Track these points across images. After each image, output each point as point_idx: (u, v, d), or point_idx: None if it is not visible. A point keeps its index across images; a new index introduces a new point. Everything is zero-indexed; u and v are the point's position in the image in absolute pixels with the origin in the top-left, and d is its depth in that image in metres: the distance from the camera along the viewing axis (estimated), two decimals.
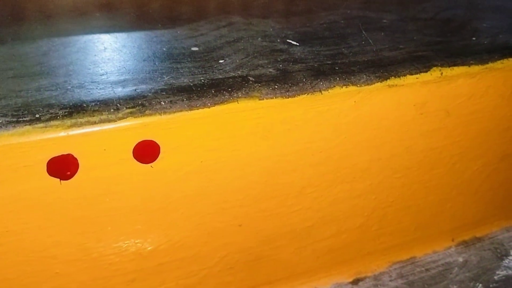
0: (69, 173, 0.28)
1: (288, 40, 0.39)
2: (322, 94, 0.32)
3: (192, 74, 0.33)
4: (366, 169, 0.38)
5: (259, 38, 0.39)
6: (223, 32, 0.41)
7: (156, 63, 0.34)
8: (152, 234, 0.33)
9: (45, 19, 0.43)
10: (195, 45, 0.38)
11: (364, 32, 0.41)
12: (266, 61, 0.35)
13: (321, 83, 0.32)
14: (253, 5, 0.48)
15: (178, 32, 0.40)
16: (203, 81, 0.32)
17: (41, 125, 0.26)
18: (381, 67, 0.35)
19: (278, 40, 0.39)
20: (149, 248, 0.33)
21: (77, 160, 0.28)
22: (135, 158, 0.29)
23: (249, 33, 0.40)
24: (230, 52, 0.36)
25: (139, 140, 0.29)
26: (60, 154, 0.27)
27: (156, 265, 0.34)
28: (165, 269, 0.35)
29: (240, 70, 0.34)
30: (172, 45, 0.38)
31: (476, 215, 0.48)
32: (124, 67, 0.33)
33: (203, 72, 0.33)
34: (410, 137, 0.38)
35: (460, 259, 0.46)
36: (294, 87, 0.32)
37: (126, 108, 0.28)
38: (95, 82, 0.31)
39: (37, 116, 0.27)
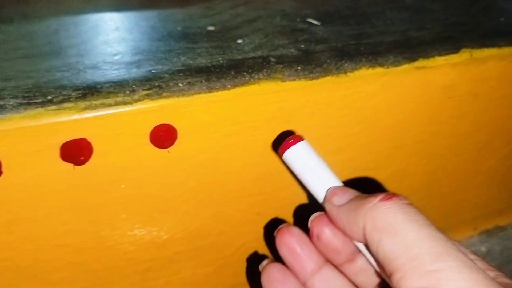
0: (82, 158, 0.27)
1: (308, 20, 0.37)
2: (347, 76, 0.30)
3: (209, 55, 0.31)
4: (390, 156, 0.36)
5: (278, 17, 0.37)
6: (240, 10, 0.39)
7: (171, 43, 0.32)
8: (168, 222, 0.31)
9: None
10: (211, 24, 0.36)
11: (388, 12, 0.40)
12: (286, 41, 0.33)
13: (346, 64, 0.31)
14: None
15: (193, 10, 0.39)
16: (221, 62, 0.30)
17: (54, 107, 0.25)
18: (409, 48, 0.33)
19: (298, 20, 0.37)
20: (164, 237, 0.32)
21: (91, 145, 0.26)
22: (151, 142, 0.28)
23: (267, 12, 0.39)
24: (248, 32, 0.35)
25: (156, 124, 0.27)
26: (73, 138, 0.26)
27: (171, 254, 0.33)
28: (181, 258, 0.33)
29: (260, 50, 0.32)
30: (187, 24, 0.36)
31: (499, 204, 0.47)
32: (138, 47, 0.32)
33: (221, 52, 0.31)
34: (437, 122, 0.36)
35: (483, 249, 0.45)
36: (318, 69, 0.30)
37: (143, 90, 0.27)
38: (108, 62, 0.29)
39: (49, 98, 0.25)
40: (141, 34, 0.34)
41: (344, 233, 0.24)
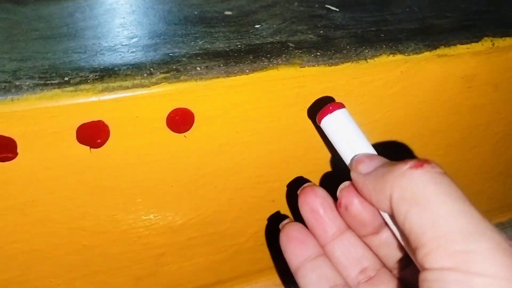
0: (99, 140, 0.26)
1: (326, 6, 0.37)
2: (367, 62, 0.30)
3: (227, 39, 0.30)
4: (407, 144, 0.35)
5: (296, 3, 0.37)
6: None
7: (188, 27, 0.32)
8: (183, 208, 0.31)
9: None
10: (228, 9, 0.35)
11: None
12: (305, 27, 0.33)
13: (367, 51, 0.30)
14: None
15: None
16: (239, 46, 0.30)
17: (71, 88, 0.25)
18: (430, 36, 0.33)
19: (316, 6, 0.37)
20: (179, 222, 0.32)
21: (108, 127, 0.26)
22: (168, 126, 0.27)
23: None
24: (266, 17, 0.34)
25: (173, 108, 0.27)
26: (90, 120, 0.25)
27: (186, 239, 0.33)
28: (195, 244, 0.33)
29: (278, 35, 0.31)
30: (204, 8, 0.35)
31: None
32: (155, 31, 0.31)
33: (239, 37, 0.31)
34: (456, 112, 0.35)
35: None
36: (338, 55, 0.29)
37: (160, 73, 0.26)
38: (125, 45, 0.29)
39: (66, 79, 0.25)
40: (158, 17, 0.33)
41: (370, 203, 0.22)
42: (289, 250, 0.26)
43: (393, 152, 0.35)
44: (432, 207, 0.19)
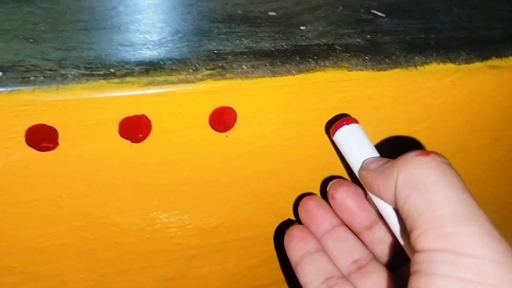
0: (141, 135, 0.26)
1: (372, 11, 0.36)
2: (417, 69, 0.29)
3: (273, 39, 0.30)
4: (451, 158, 0.33)
5: (341, 7, 0.36)
6: None
7: (233, 25, 0.31)
8: (219, 209, 0.30)
9: None
10: (272, 10, 0.35)
11: (454, 8, 0.38)
12: (352, 31, 0.32)
13: (417, 58, 0.29)
14: None
15: None
16: (285, 47, 0.29)
17: (116, 80, 0.24)
18: (481, 46, 0.31)
19: (362, 10, 0.36)
20: (213, 224, 0.31)
21: (150, 122, 0.25)
22: (210, 125, 0.27)
23: (329, 1, 0.37)
24: (311, 19, 0.33)
25: (217, 106, 0.26)
26: (134, 114, 0.25)
27: (219, 242, 0.32)
28: (228, 247, 0.32)
29: (325, 38, 0.31)
30: (248, 8, 0.35)
31: None
32: (199, 27, 0.31)
33: (285, 37, 0.30)
34: (504, 126, 0.34)
35: None
36: (387, 60, 0.28)
37: (206, 69, 0.26)
38: (170, 40, 0.28)
39: (111, 70, 0.25)
40: (201, 15, 0.33)
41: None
42: (290, 247, 0.27)
43: None
44: (431, 192, 0.20)
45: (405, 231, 0.21)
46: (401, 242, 0.24)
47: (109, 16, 0.31)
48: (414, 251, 0.20)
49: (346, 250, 0.27)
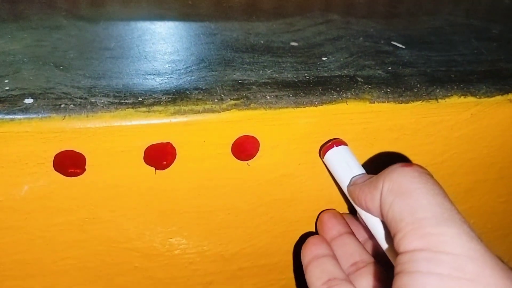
0: (165, 162, 0.26)
1: (392, 42, 0.36)
2: (438, 102, 0.29)
3: (295, 70, 0.30)
4: (469, 190, 0.34)
5: (361, 38, 0.37)
6: (321, 29, 0.38)
7: (256, 56, 0.32)
8: (237, 236, 0.31)
9: (143, 1, 0.41)
10: (294, 40, 0.35)
11: (474, 41, 0.38)
12: (372, 62, 0.32)
13: (438, 90, 0.29)
14: (350, 4, 0.46)
15: (274, 26, 0.38)
16: (308, 77, 0.29)
17: (144, 109, 0.25)
18: (501, 79, 0.32)
19: (382, 42, 0.36)
20: (231, 251, 0.31)
21: (175, 150, 0.26)
22: (233, 153, 0.27)
23: (349, 32, 0.38)
24: (332, 50, 0.34)
25: (240, 135, 0.27)
26: (159, 142, 0.25)
27: (236, 269, 0.32)
28: (244, 274, 0.33)
29: (346, 69, 0.31)
30: (270, 38, 0.35)
31: None
32: (223, 57, 0.31)
33: (307, 68, 0.31)
34: None
35: None
36: (408, 92, 0.29)
37: (231, 99, 0.26)
38: (195, 69, 0.29)
39: (139, 99, 0.25)
40: (225, 44, 0.33)
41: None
42: (303, 252, 0.29)
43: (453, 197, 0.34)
44: (413, 197, 0.21)
45: (391, 242, 0.22)
46: (388, 254, 0.25)
47: (135, 45, 0.32)
48: (397, 253, 0.21)
49: (347, 254, 0.28)
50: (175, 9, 0.40)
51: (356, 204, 0.26)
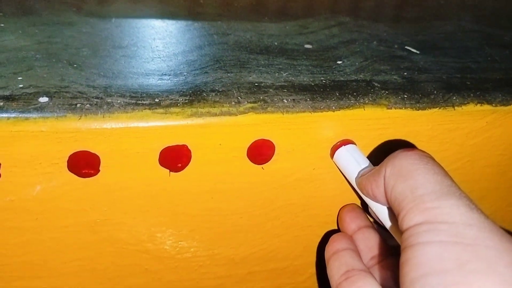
0: (180, 165, 0.26)
1: (406, 47, 0.36)
2: (454, 109, 0.29)
3: (311, 73, 0.30)
4: (481, 198, 0.34)
5: (375, 42, 0.36)
6: (334, 31, 0.38)
7: (271, 58, 0.32)
8: (248, 240, 0.30)
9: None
10: (308, 43, 0.35)
11: (487, 48, 0.38)
12: (388, 67, 0.32)
13: (454, 98, 0.29)
14: (362, 7, 0.46)
15: (287, 27, 0.38)
16: (324, 81, 0.29)
17: (161, 110, 0.24)
18: None
19: (396, 46, 0.36)
20: (242, 254, 0.31)
21: (190, 152, 0.26)
22: (248, 157, 0.27)
23: (363, 36, 0.37)
24: (346, 54, 0.34)
25: (256, 138, 0.26)
26: (175, 144, 0.25)
27: (246, 273, 0.32)
28: (254, 278, 0.32)
29: (362, 73, 0.31)
30: (283, 40, 0.35)
31: None
32: (238, 58, 0.31)
33: (323, 72, 0.30)
34: None
35: None
36: (425, 99, 0.29)
37: (248, 102, 0.26)
38: (211, 70, 0.29)
39: (156, 100, 0.25)
40: (239, 45, 0.33)
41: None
42: (326, 250, 0.29)
43: None
44: (414, 177, 0.22)
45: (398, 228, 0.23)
46: (398, 241, 0.25)
47: (148, 43, 0.32)
48: (401, 231, 0.21)
49: (368, 247, 0.29)
50: (187, 8, 0.40)
51: (364, 194, 0.26)
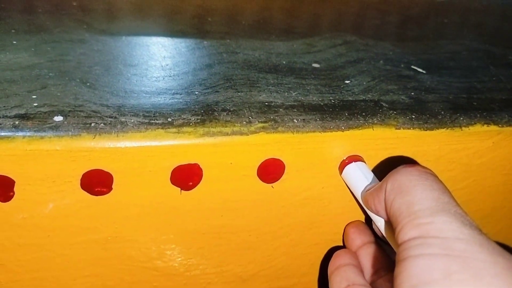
0: (191, 183, 0.26)
1: (412, 67, 0.36)
2: (461, 130, 0.29)
3: (320, 93, 0.30)
4: (487, 216, 0.34)
5: (381, 61, 0.37)
6: (341, 50, 0.38)
7: (280, 77, 0.32)
8: (256, 258, 0.30)
9: (164, 17, 0.42)
10: (315, 62, 0.35)
11: (492, 67, 0.38)
12: (395, 87, 0.32)
13: (461, 118, 0.29)
14: (367, 26, 0.46)
15: (294, 46, 0.38)
16: (333, 101, 0.29)
17: (174, 130, 0.25)
18: None
19: (402, 65, 0.36)
20: (250, 272, 0.31)
21: (202, 171, 0.26)
22: (258, 175, 0.27)
23: (369, 55, 0.38)
24: (354, 73, 0.34)
25: (267, 158, 0.27)
26: (187, 162, 0.25)
27: None
28: None
29: (370, 93, 0.31)
30: (291, 59, 0.36)
31: None
32: (248, 78, 0.31)
33: (331, 91, 0.31)
34: None
35: None
36: (433, 120, 0.29)
37: (259, 122, 0.26)
38: (221, 89, 0.29)
39: (169, 120, 0.25)
40: (248, 64, 0.33)
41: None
42: (330, 264, 0.29)
43: None
44: (412, 193, 0.22)
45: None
46: (393, 247, 0.25)
47: (158, 62, 0.32)
48: (398, 246, 0.21)
49: (370, 263, 0.29)
50: (195, 26, 0.40)
51: (368, 209, 0.26)
